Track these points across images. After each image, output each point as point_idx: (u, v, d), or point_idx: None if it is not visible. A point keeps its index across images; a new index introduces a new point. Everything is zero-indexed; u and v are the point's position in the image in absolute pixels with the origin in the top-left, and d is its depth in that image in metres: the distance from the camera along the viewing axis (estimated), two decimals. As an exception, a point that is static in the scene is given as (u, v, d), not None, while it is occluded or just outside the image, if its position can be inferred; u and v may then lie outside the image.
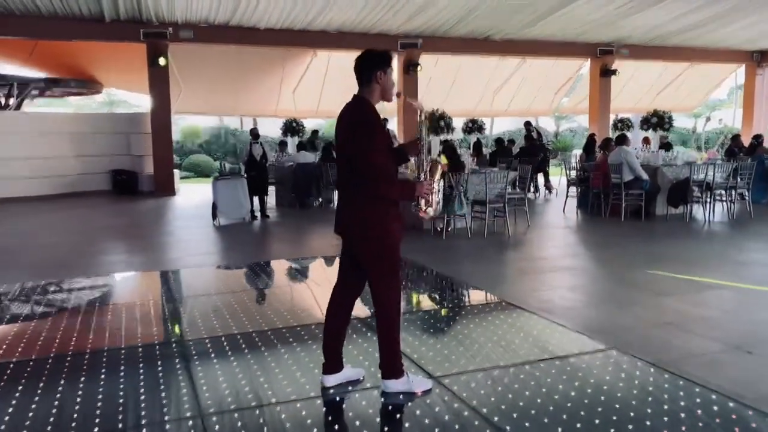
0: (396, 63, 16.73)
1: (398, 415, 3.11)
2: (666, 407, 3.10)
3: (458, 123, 16.28)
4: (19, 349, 4.08)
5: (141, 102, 22.26)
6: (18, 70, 15.51)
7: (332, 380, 3.36)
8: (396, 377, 3.25)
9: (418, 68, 16.19)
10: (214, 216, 9.64)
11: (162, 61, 13.67)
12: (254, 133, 10.49)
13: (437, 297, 5.48)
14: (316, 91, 17.74)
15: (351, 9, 13.58)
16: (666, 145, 12.24)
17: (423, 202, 3.21)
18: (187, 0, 12.50)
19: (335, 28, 15.05)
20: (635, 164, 9.34)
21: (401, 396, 3.24)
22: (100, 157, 14.47)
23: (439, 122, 11.28)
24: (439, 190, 3.26)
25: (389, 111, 20.43)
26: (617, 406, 3.13)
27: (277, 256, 7.64)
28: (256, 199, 10.23)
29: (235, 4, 12.82)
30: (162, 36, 13.80)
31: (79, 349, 4.08)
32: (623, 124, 15.28)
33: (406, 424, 2.98)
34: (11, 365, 3.80)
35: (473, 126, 14.89)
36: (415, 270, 6.29)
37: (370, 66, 3.10)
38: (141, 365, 3.77)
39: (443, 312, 4.93)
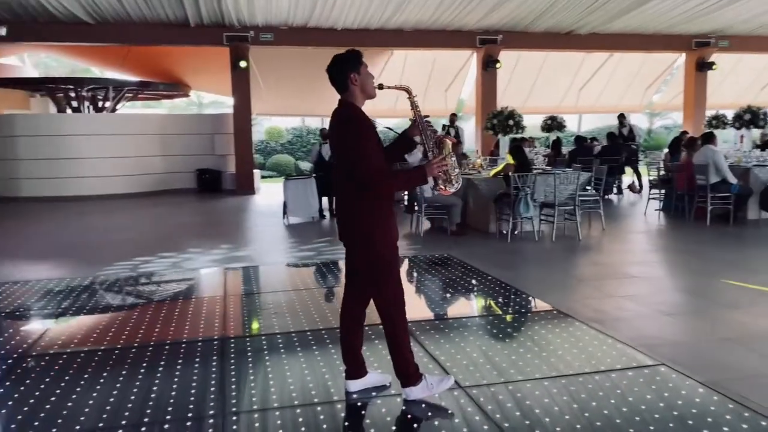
0: (474, 60, 16.50)
1: (414, 425, 3.01)
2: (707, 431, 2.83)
3: (538, 121, 15.79)
4: (107, 339, 4.29)
5: (231, 103, 23.17)
6: (113, 74, 16.52)
7: (355, 386, 3.31)
8: (413, 384, 3.16)
9: (497, 65, 15.83)
10: (285, 214, 9.86)
11: (243, 63, 14.12)
12: (323, 134, 10.63)
13: (483, 303, 5.29)
14: (392, 90, 17.74)
15: (427, 6, 13.47)
16: (766, 144, 11.30)
17: (440, 180, 3.10)
18: (266, 3, 12.86)
19: (411, 26, 15.00)
20: (722, 165, 8.66)
21: (423, 404, 3.15)
22: (187, 156, 15.14)
23: (507, 121, 10.93)
24: (453, 165, 3.11)
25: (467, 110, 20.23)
26: (652, 428, 2.88)
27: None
28: (325, 199, 10.36)
29: (312, 5, 13.05)
30: (243, 39, 14.27)
31: (160, 340, 4.25)
32: (718, 121, 14.21)
33: (420, 435, 2.89)
34: (99, 352, 4.00)
35: (552, 124, 14.36)
36: (466, 273, 6.12)
37: (341, 71, 3.04)
38: (214, 358, 3.88)
39: (486, 318, 4.77)
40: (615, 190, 12.72)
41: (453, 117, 14.46)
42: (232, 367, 3.74)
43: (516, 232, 8.25)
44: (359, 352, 3.32)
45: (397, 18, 14.23)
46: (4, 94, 15.18)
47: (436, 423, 3.00)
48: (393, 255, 3.12)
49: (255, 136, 24.81)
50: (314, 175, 10.18)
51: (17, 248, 8.16)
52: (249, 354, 3.95)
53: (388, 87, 3.18)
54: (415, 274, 6.56)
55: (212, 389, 3.41)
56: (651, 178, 10.84)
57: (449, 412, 3.10)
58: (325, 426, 2.99)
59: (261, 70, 15.62)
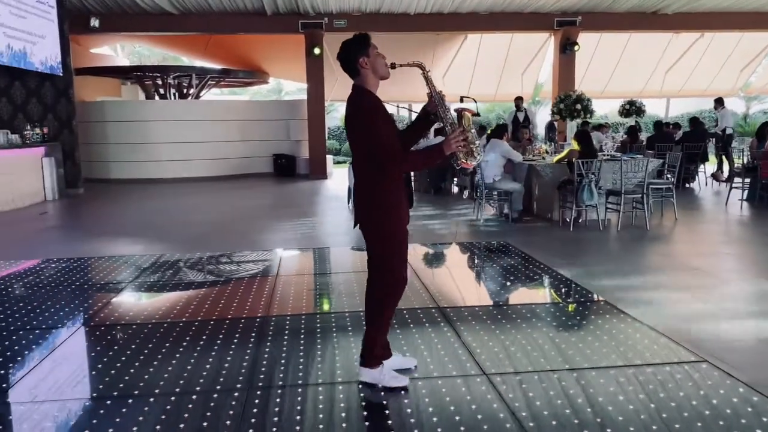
0: (551, 42, 16.00)
1: (430, 409, 3.02)
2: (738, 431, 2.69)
3: (616, 105, 15.15)
4: (187, 313, 4.53)
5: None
6: (198, 62, 17.23)
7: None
8: (369, 366, 3.22)
9: (576, 47, 15.27)
10: (349, 198, 10.03)
11: (317, 50, 14.36)
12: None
13: (528, 291, 5.20)
14: (467, 74, 17.53)
15: (501, -12, 13.20)
16: None
17: (461, 155, 3.06)
18: (339, -11, 13.01)
19: (486, 9, 14.72)
20: (812, 152, 8.04)
21: (435, 389, 3.17)
22: (264, 141, 15.61)
23: (574, 105, 10.54)
24: (474, 138, 3.06)
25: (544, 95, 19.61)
26: (677, 426, 2.77)
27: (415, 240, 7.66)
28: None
29: (384, -10, 13.08)
30: (318, 26, 14.50)
31: (236, 315, 4.47)
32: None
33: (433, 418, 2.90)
34: (180, 324, 4.25)
35: (631, 109, 13.72)
36: (518, 261, 6.02)
37: (350, 57, 3.04)
38: (286, 334, 4.05)
39: (528, 307, 4.67)
40: (697, 178, 12.04)
41: (518, 100, 13.99)
42: (302, 342, 3.88)
43: (580, 221, 8.00)
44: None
45: (471, 1, 14.01)
46: (98, 81, 16.18)
47: (452, 408, 3.00)
48: (403, 232, 3.12)
49: (330, 123, 25.23)
50: (477, 114, 10.21)
51: (105, 226, 8.74)
52: (318, 332, 4.08)
53: (401, 65, 3.14)
54: (466, 261, 6.54)
55: (282, 362, 3.56)
56: (733, 166, 10.19)
57: (468, 398, 3.10)
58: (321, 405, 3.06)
59: (335, 57, 15.83)
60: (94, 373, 3.50)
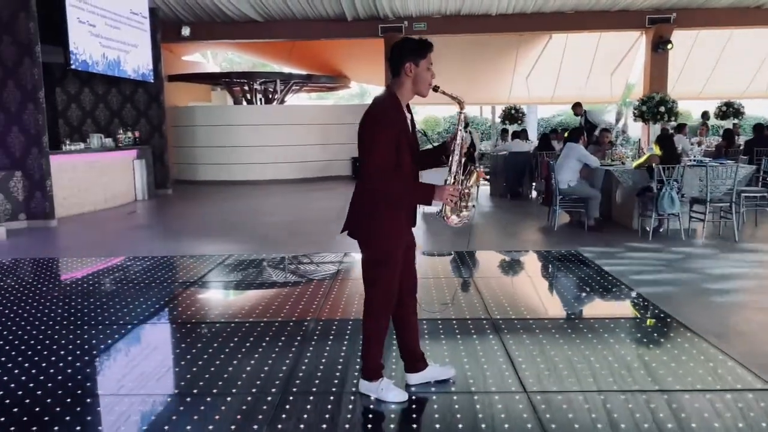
0: (643, 41, 15.22)
1: (459, 425, 2.90)
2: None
3: (711, 107, 14.19)
4: (268, 313, 4.61)
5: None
6: (284, 68, 17.72)
7: (414, 379, 3.27)
8: (368, 378, 3.11)
9: (669, 46, 14.44)
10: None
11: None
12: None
13: (589, 305, 4.90)
14: (551, 76, 17.00)
15: (587, -14, 12.71)
16: None
17: (446, 208, 2.93)
18: (418, -7, 12.98)
19: (571, 8, 14.22)
20: None
21: (470, 404, 3.04)
22: (343, 145, 15.79)
23: (657, 107, 9.92)
24: (471, 197, 2.95)
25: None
26: (729, 462, 2.51)
27: (472, 246, 7.44)
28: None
29: (464, -8, 12.92)
30: (398, 30, 14.52)
31: (314, 316, 4.52)
32: None
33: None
34: (261, 324, 4.35)
35: (728, 110, 12.80)
36: (585, 272, 5.72)
37: (400, 56, 2.86)
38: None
39: (586, 322, 4.42)
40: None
41: (577, 107, 11.93)
42: (477, 342, 3.82)
43: (661, 230, 7.53)
44: (411, 347, 3.24)
45: (555, 0, 13.58)
46: (189, 87, 16.97)
47: (483, 425, 2.86)
48: (390, 253, 2.96)
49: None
50: (487, 179, 10.06)
51: (188, 225, 9.14)
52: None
53: (443, 93, 2.96)
54: (530, 270, 6.31)
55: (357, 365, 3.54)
56: None
57: (501, 415, 2.95)
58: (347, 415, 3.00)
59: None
60: (176, 368, 3.61)
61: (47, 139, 8.86)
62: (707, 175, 7.06)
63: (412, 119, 3.01)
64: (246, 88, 16.70)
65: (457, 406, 3.06)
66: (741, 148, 11.07)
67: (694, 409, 2.98)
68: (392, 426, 2.93)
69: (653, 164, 7.15)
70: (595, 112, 11.61)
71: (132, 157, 11.69)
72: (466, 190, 2.94)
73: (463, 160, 2.97)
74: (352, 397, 3.16)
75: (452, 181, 2.92)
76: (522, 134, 12.22)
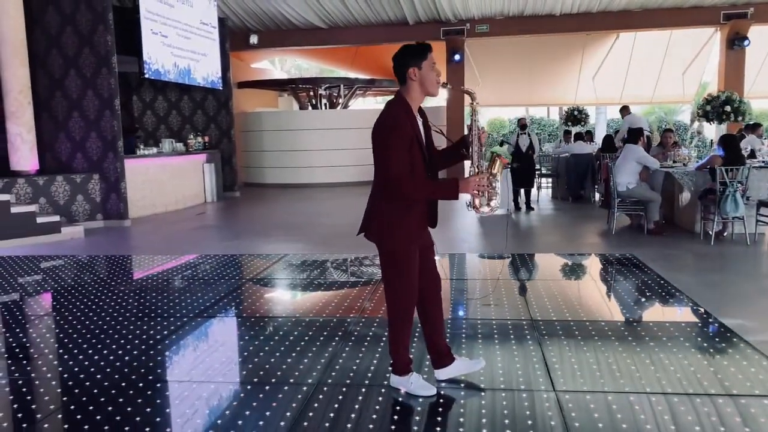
0: (718, 39, 14.60)
1: (483, 420, 2.96)
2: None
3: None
4: (326, 311, 4.79)
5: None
6: (347, 73, 18.05)
7: (443, 374, 3.34)
8: (397, 373, 3.21)
9: (746, 43, 13.79)
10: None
11: (457, 57, 14.42)
12: (521, 124, 10.42)
13: (635, 308, 4.79)
14: (619, 76, 16.54)
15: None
16: None
17: (475, 200, 2.99)
18: (479, -5, 12.98)
19: (638, 6, 13.83)
20: None
21: (497, 401, 3.09)
22: (405, 147, 15.94)
23: (723, 107, 9.49)
24: (495, 186, 2.98)
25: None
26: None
27: (527, 248, 7.40)
28: (523, 191, 10.20)
29: (526, -7, 12.82)
30: (460, 32, 14.57)
31: (363, 314, 4.75)
32: None
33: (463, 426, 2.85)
34: (318, 321, 4.54)
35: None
36: (638, 276, 5.61)
37: (402, 64, 2.95)
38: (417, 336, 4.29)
39: (629, 325, 4.35)
40: None
41: (624, 110, 11.82)
42: (513, 344, 4.02)
43: (725, 234, 7.25)
44: (437, 342, 3.30)
45: (621, -2, 13.26)
46: (257, 94, 17.59)
47: (506, 422, 2.91)
48: (405, 252, 3.02)
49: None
50: (510, 166, 10.02)
51: (253, 225, 9.51)
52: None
53: (453, 88, 3.11)
54: (581, 273, 6.22)
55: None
56: None
57: (519, 412, 2.99)
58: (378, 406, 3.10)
59: (478, 62, 15.77)
60: (240, 359, 3.83)
61: (122, 144, 9.44)
62: (774, 177, 6.75)
63: (425, 122, 3.09)
64: (311, 93, 17.13)
65: (483, 402, 3.12)
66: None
67: (724, 412, 2.92)
68: (417, 418, 3.02)
69: (715, 165, 6.90)
70: (635, 117, 11.28)
71: (202, 160, 12.25)
72: (490, 179, 2.98)
73: (483, 149, 3.03)
74: (383, 390, 3.28)
75: (476, 171, 2.99)
76: (584, 136, 11.98)
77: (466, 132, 3.09)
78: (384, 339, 4.04)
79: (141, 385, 3.42)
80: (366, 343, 4.01)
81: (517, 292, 5.20)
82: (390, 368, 3.30)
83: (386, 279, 3.13)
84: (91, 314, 4.77)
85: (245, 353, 3.92)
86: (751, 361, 3.55)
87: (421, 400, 3.16)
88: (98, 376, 3.54)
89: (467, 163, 3.11)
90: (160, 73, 10.53)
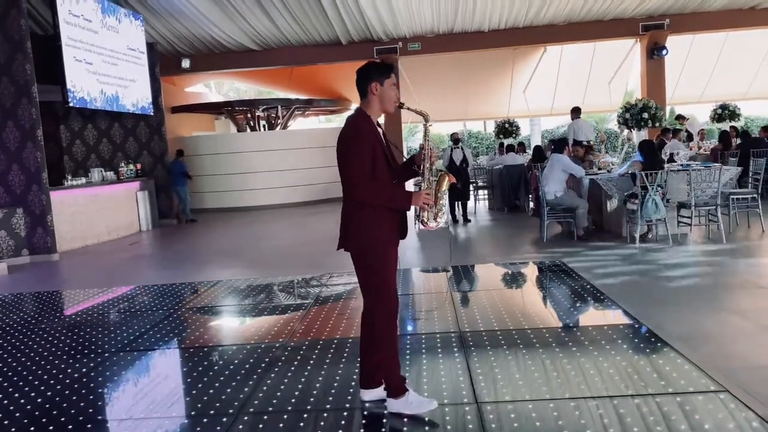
0: (638, 49, 15.23)
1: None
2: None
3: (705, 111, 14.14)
4: (269, 335, 4.76)
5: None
6: (285, 94, 18.01)
7: (368, 396, 3.31)
8: (395, 396, 3.14)
9: (664, 52, 14.45)
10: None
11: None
12: (454, 138, 10.60)
13: (560, 314, 4.90)
14: (549, 88, 17.07)
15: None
16: None
17: (424, 213, 3.07)
18: (408, 14, 13.19)
19: (563, 20, 14.34)
20: None
21: (405, 418, 3.09)
22: (345, 166, 15.96)
23: (641, 114, 9.94)
24: (443, 202, 3.09)
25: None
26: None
27: (462, 260, 7.47)
28: (459, 203, 10.35)
29: (454, 10, 13.11)
30: (393, 51, 14.75)
31: (316, 337, 4.68)
32: None
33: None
34: (289, 346, 4.54)
35: (723, 113, 12.76)
36: (562, 281, 5.75)
37: (365, 77, 3.06)
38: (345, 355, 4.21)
39: (553, 331, 4.44)
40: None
41: (574, 113, 11.56)
42: (440, 356, 3.96)
43: (649, 236, 7.52)
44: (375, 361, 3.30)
45: (545, 13, 13.70)
46: (193, 118, 17.32)
47: (429, 437, 2.92)
48: (383, 252, 3.05)
49: (415, 143, 25.33)
50: (457, 184, 10.13)
51: (186, 254, 9.29)
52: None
53: (408, 108, 3.23)
54: (508, 282, 6.33)
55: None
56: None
57: (447, 427, 3.00)
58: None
59: (413, 80, 15.98)
60: (189, 393, 3.67)
61: (47, 176, 9.11)
62: (690, 179, 7.05)
63: (384, 135, 3.15)
64: (248, 115, 16.99)
65: (405, 420, 3.11)
66: (737, 150, 11.00)
67: (639, 412, 3.00)
68: (341, 441, 2.99)
69: (635, 170, 7.17)
70: (579, 123, 11.46)
71: (135, 188, 11.94)
72: (439, 195, 3.08)
73: (433, 167, 3.11)
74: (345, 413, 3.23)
75: (426, 186, 3.06)
76: (516, 147, 12.28)
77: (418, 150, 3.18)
78: (311, 362, 4.01)
79: (73, 427, 3.27)
80: (292, 369, 3.96)
81: (447, 304, 5.24)
82: (388, 393, 3.17)
83: (371, 287, 3.09)
84: (13, 353, 4.55)
85: (166, 386, 3.82)
86: (667, 360, 3.67)
87: (343, 421, 3.13)
88: (25, 421, 3.37)
89: (412, 181, 3.21)
90: (85, 101, 10.25)
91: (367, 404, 3.29)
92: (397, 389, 3.13)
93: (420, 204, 3.02)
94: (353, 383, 3.53)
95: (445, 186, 3.09)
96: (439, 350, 4.09)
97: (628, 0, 13.29)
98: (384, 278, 3.07)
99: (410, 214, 3.14)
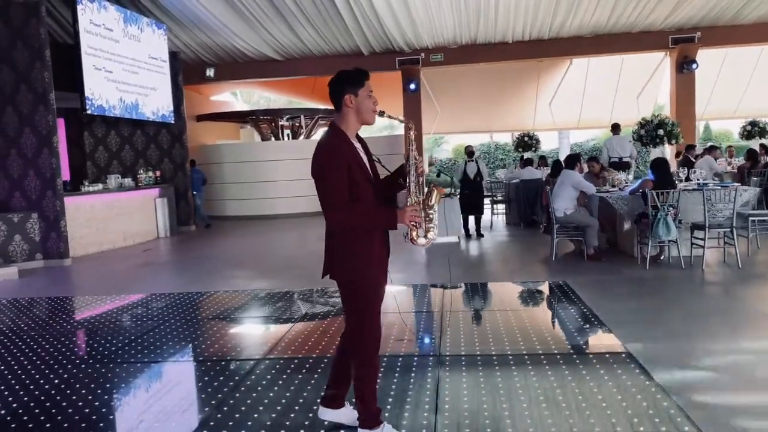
0: (668, 63, 14.85)
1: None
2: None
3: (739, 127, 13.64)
4: (290, 349, 4.75)
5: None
6: (308, 104, 18.07)
7: (329, 415, 3.19)
8: (367, 427, 2.94)
9: (694, 66, 14.04)
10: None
11: (412, 86, 14.50)
12: (469, 151, 10.43)
13: (547, 339, 4.67)
14: (576, 101, 16.73)
15: (602, 7, 12.52)
16: None
17: (412, 231, 2.84)
18: (429, 25, 13.09)
19: (590, 32, 14.05)
20: None
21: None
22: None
23: (656, 131, 9.59)
24: (433, 217, 2.85)
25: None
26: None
27: (466, 278, 7.29)
28: (472, 218, 10.17)
29: (476, 21, 12.96)
30: (415, 62, 14.67)
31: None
32: None
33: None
34: (295, 360, 4.52)
35: (753, 130, 12.30)
36: (562, 304, 5.54)
37: (338, 90, 2.84)
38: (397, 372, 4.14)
39: (536, 358, 4.24)
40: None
41: (614, 129, 11.49)
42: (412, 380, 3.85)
43: (661, 258, 7.23)
44: (339, 385, 3.15)
45: (571, 24, 13.44)
46: (218, 126, 17.51)
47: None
48: (364, 281, 2.86)
49: (442, 155, 25.19)
50: (459, 192, 9.99)
51: (200, 261, 9.31)
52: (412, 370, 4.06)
53: (389, 116, 2.97)
54: (505, 302, 6.11)
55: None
56: None
57: (396, 460, 2.87)
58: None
59: (436, 91, 15.88)
60: (199, 403, 3.66)
61: (61, 182, 9.27)
62: (704, 200, 6.76)
63: (366, 149, 2.96)
64: (273, 124, 17.10)
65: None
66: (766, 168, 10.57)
67: None
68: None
69: (646, 189, 6.91)
70: (616, 139, 11.18)
71: (154, 195, 12.08)
72: (428, 210, 2.85)
73: (420, 180, 2.89)
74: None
75: (413, 201, 2.83)
76: (537, 161, 12.04)
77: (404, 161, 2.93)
78: (281, 382, 3.91)
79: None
80: (259, 389, 3.87)
81: (435, 325, 5.09)
82: (359, 424, 2.98)
83: (348, 317, 2.94)
84: (23, 360, 4.58)
85: (202, 397, 3.76)
86: (641, 390, 3.46)
87: (293, 448, 3.03)
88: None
89: (402, 194, 2.99)
90: (104, 109, 10.42)
91: (326, 422, 3.18)
92: (371, 419, 2.94)
93: (407, 222, 2.79)
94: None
95: (434, 200, 2.86)
96: (413, 373, 3.95)
97: (657, 12, 12.93)
98: (369, 306, 2.90)
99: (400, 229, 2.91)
